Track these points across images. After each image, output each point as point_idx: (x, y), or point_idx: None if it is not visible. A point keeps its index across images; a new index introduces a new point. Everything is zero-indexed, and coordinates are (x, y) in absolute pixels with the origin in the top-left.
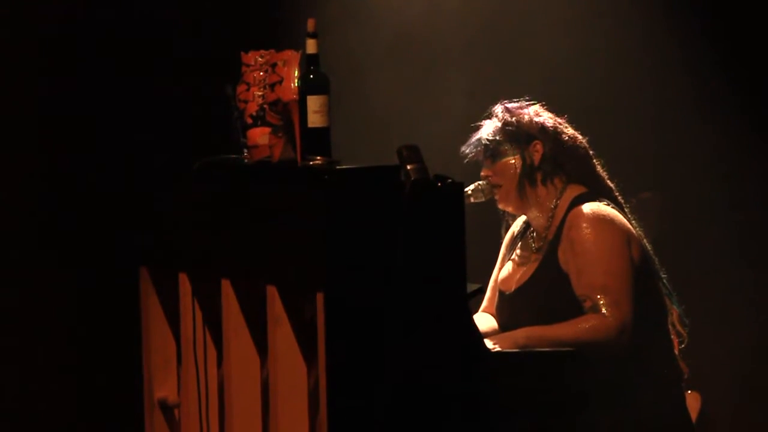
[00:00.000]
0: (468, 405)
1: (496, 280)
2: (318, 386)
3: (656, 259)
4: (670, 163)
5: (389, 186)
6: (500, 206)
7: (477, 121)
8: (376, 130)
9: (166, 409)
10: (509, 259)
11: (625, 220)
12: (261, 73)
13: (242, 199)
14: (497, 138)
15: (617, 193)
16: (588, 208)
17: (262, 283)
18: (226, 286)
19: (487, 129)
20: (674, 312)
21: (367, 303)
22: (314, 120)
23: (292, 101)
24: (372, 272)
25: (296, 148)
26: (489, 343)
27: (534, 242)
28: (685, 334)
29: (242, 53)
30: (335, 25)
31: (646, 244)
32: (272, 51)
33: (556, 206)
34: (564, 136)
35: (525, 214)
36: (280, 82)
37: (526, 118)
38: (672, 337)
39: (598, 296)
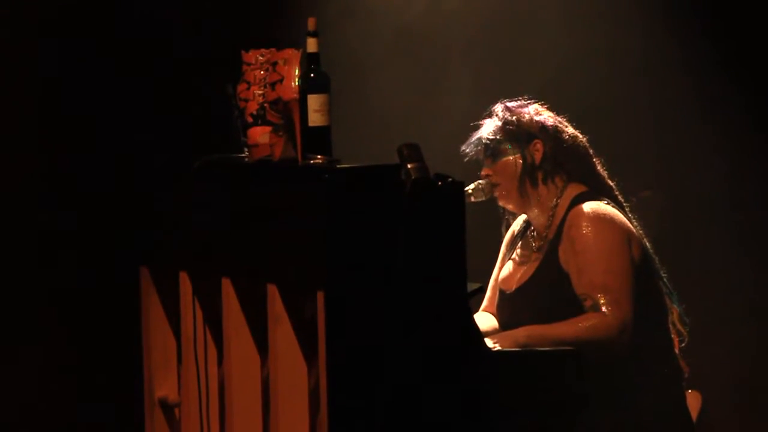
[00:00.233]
0: (468, 404)
1: (496, 279)
2: (318, 385)
3: (656, 258)
4: (671, 163)
5: (390, 185)
6: (500, 204)
7: (477, 120)
8: (377, 129)
9: (167, 408)
10: (509, 258)
11: (625, 219)
12: (262, 72)
13: (243, 197)
14: (498, 137)
15: (617, 192)
16: (588, 206)
17: (262, 282)
18: (227, 285)
19: (488, 128)
20: (675, 311)
21: (367, 302)
22: (315, 119)
23: (292, 100)
24: (372, 271)
25: (297, 147)
26: (489, 342)
27: (534, 241)
28: (685, 333)
29: (243, 52)
30: (336, 23)
31: (647, 243)
32: (273, 50)
33: (556, 205)
34: (564, 135)
35: (525, 213)
36: (281, 80)
37: (527, 117)
38: (672, 336)
39: (599, 295)
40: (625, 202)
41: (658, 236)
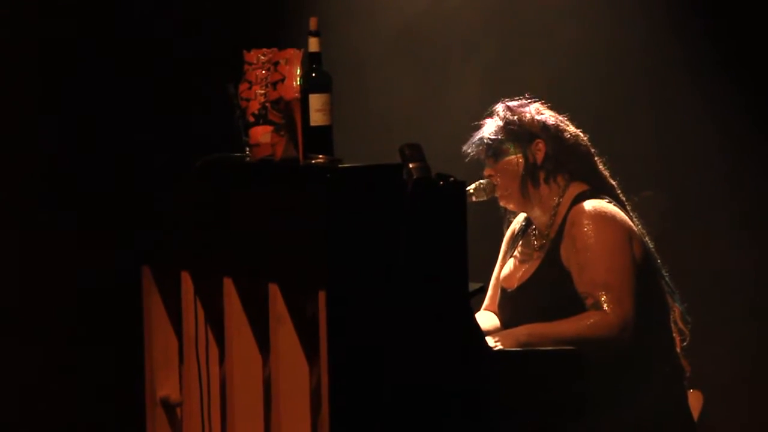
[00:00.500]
0: (469, 404)
1: (497, 278)
2: (320, 385)
3: (658, 257)
4: (671, 163)
5: (391, 185)
6: (502, 204)
7: (479, 120)
8: (379, 128)
9: (168, 407)
10: (511, 257)
11: (626, 218)
12: (263, 72)
13: (244, 197)
14: (499, 137)
15: (619, 191)
16: (590, 205)
17: (264, 282)
18: (228, 285)
19: (489, 128)
20: (676, 310)
21: (368, 301)
22: (316, 118)
23: (294, 100)
24: (374, 271)
25: (298, 147)
26: (491, 341)
27: (536, 240)
28: (687, 332)
29: (244, 51)
30: (338, 23)
31: (648, 242)
32: (274, 49)
33: (558, 204)
34: (566, 134)
35: (527, 213)
36: (283, 80)
37: (528, 116)
38: (674, 335)
39: (600, 293)
40: (626, 201)
41: (660, 236)
